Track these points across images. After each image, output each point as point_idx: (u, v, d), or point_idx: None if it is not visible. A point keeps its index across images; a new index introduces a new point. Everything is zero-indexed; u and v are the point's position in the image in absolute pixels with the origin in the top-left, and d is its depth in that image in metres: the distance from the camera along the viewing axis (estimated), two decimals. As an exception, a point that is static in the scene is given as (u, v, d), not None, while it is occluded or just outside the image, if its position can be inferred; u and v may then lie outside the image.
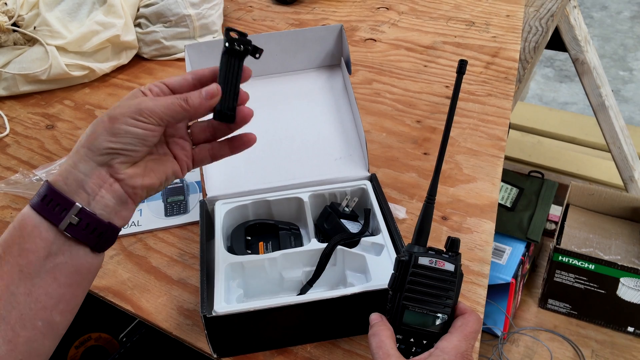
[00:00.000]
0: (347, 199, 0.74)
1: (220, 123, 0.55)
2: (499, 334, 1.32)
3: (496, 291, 1.27)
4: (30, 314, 0.46)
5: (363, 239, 0.67)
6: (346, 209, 0.73)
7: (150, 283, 0.73)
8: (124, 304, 0.70)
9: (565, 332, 1.34)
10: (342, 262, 0.68)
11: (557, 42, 1.39)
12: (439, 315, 0.52)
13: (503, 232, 1.37)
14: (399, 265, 0.52)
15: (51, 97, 1.14)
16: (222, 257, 0.65)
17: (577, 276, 1.31)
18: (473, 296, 0.69)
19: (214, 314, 0.59)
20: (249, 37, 0.54)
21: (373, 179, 0.75)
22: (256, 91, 0.84)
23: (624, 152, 1.54)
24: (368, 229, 0.70)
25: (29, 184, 0.87)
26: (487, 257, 0.73)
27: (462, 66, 0.52)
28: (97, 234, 0.48)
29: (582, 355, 1.28)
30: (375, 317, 0.53)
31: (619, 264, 1.25)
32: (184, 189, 0.85)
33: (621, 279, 1.26)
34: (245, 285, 0.67)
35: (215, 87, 0.52)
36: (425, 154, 0.90)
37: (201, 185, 0.86)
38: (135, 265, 0.75)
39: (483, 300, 0.69)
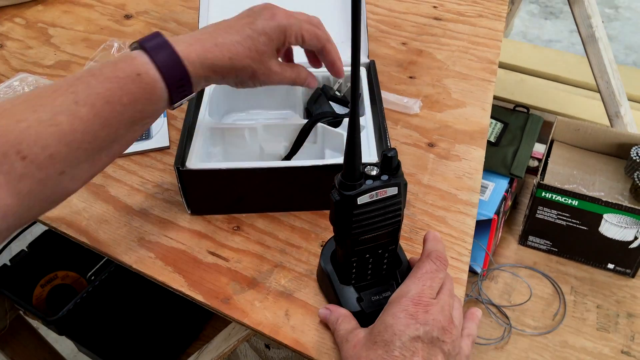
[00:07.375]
0: (339, 82, 0.72)
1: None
2: (479, 270, 1.29)
3: (477, 228, 1.24)
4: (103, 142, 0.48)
5: (345, 120, 0.65)
6: (337, 93, 0.71)
7: (109, 213, 0.66)
8: (79, 235, 0.64)
9: (544, 269, 1.32)
10: (322, 140, 0.67)
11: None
12: (391, 228, 0.49)
13: (486, 167, 1.32)
14: (337, 206, 0.46)
15: (0, 14, 1.03)
16: (204, 122, 0.66)
17: (559, 212, 1.28)
18: (461, 226, 0.64)
19: (187, 167, 0.59)
20: None
21: (371, 65, 0.71)
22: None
23: (612, 87, 1.49)
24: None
25: (-28, 106, 0.78)
26: (477, 186, 0.68)
27: None
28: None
29: (561, 291, 1.27)
30: (325, 313, 0.54)
31: (603, 199, 1.21)
32: (147, 113, 0.77)
33: (604, 215, 1.23)
34: (224, 153, 0.67)
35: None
36: (411, 77, 0.83)
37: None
38: (91, 194, 0.68)
39: (471, 230, 0.64)
